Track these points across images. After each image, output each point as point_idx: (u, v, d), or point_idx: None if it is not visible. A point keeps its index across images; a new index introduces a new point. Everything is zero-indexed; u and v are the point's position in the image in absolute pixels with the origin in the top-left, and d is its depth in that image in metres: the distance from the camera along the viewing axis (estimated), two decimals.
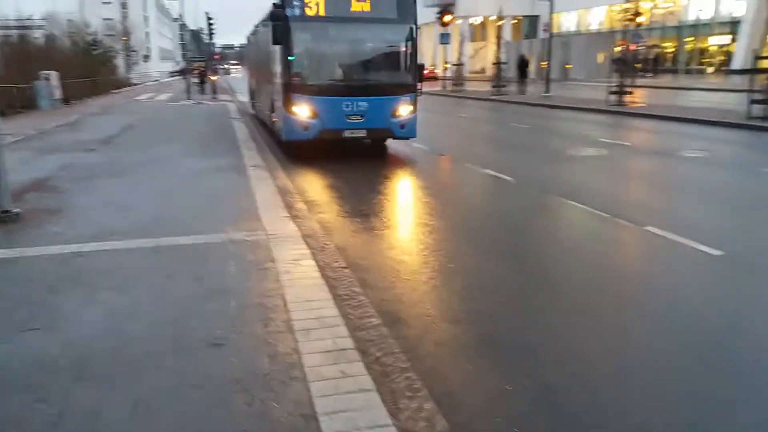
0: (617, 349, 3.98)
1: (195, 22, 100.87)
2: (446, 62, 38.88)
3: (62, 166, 10.10)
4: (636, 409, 3.24)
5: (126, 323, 3.94)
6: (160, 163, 10.41)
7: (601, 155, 11.73)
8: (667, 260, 5.77)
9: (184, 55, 40.01)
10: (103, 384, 3.18)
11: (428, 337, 4.05)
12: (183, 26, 43.69)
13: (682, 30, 45.81)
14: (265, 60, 13.96)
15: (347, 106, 10.86)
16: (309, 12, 10.80)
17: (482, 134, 16.89)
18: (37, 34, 35.21)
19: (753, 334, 4.22)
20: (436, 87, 35.10)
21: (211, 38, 35.47)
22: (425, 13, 29.91)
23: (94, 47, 37.33)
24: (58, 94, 22.64)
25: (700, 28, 44.31)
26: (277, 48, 11.30)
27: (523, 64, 30.41)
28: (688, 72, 43.83)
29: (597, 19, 53.69)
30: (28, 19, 49.54)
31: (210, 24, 33.49)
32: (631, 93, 21.79)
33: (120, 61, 49.53)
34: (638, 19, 24.31)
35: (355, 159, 11.81)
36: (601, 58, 41.84)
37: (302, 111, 10.93)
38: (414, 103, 11.48)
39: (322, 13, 10.88)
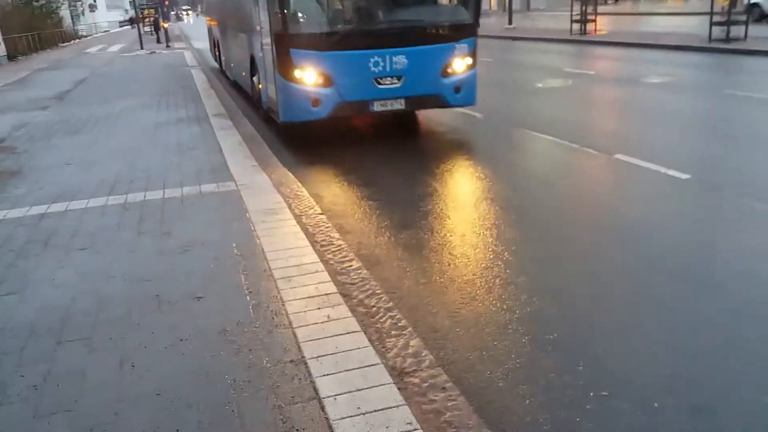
0: (592, 268, 4.07)
1: None
2: None
3: (16, 125, 9.71)
4: (609, 325, 3.35)
5: (102, 283, 3.87)
6: (120, 117, 10.07)
7: (567, 86, 11.72)
8: (637, 186, 5.87)
9: (132, 2, 38.23)
10: (86, 345, 3.14)
11: (409, 278, 4.08)
12: None
13: None
14: None
15: (376, 64, 7.31)
16: None
17: None
18: None
19: (720, 250, 4.37)
20: None
21: None
22: None
23: None
24: (1, 50, 21.55)
25: None
26: None
27: None
28: None
29: None
30: None
31: None
32: (593, 21, 21.66)
33: (65, 13, 47.11)
34: None
35: None
36: None
37: (308, 76, 7.25)
38: (473, 53, 7.94)
39: None
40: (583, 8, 21.35)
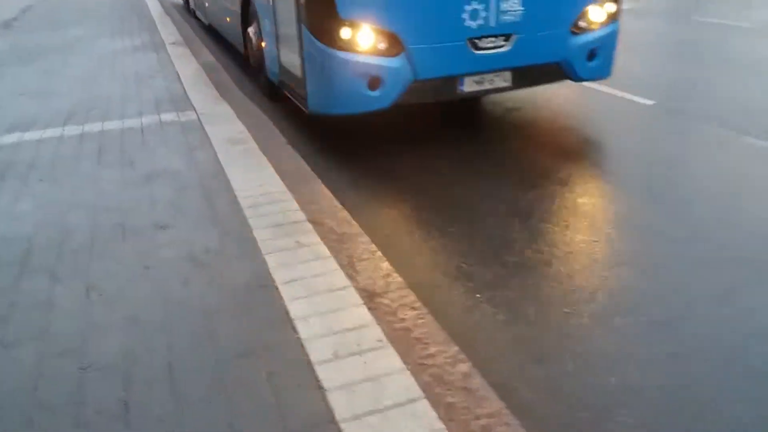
0: (558, 192, 4.13)
1: None
2: None
3: None
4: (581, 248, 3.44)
5: (63, 215, 3.77)
6: (72, 45, 9.58)
7: None
8: (602, 113, 5.91)
9: None
10: (51, 276, 3.09)
11: (380, 204, 4.09)
12: None
13: None
14: None
15: (475, 14, 4.55)
16: None
17: None
18: None
19: (684, 173, 4.49)
20: None
21: None
22: None
23: None
24: None
25: None
26: None
27: None
28: None
29: None
30: None
31: None
32: None
33: None
34: None
35: None
36: None
37: (363, 37, 4.43)
38: None
39: None
40: None
